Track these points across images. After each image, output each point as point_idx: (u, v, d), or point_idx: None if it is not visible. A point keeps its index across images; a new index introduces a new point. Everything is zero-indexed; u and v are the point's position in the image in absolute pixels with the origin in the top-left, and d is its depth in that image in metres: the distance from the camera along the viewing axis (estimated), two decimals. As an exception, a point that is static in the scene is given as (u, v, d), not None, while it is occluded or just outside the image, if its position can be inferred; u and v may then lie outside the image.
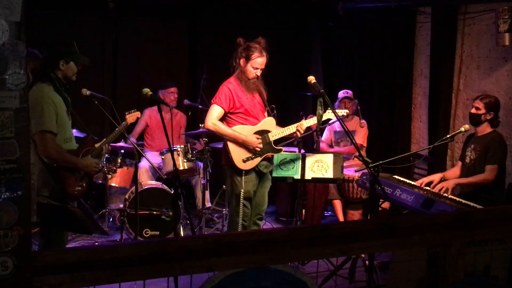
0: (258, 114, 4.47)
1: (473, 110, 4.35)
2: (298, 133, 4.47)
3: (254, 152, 4.37)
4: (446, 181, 4.30)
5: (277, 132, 4.48)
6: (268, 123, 4.51)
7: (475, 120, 4.34)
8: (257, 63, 4.37)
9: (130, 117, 5.01)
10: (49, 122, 3.45)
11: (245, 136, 4.35)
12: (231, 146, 4.36)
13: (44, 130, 3.43)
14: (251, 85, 4.42)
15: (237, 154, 4.36)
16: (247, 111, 4.41)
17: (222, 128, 4.34)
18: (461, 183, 4.25)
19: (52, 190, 3.54)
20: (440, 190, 4.14)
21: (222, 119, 4.40)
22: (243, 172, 4.38)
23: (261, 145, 4.38)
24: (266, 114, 4.58)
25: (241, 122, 4.41)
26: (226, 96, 4.34)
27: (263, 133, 4.45)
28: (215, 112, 4.34)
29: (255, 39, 4.40)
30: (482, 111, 4.29)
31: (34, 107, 3.35)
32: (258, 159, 4.41)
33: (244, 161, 4.36)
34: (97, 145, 4.06)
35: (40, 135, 3.41)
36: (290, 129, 4.48)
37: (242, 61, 4.38)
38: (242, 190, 4.38)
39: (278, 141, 5.92)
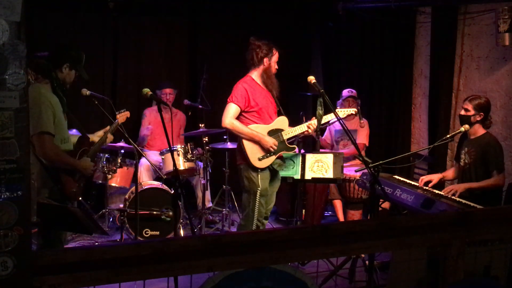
0: (271, 113, 4.50)
1: (462, 112, 4.32)
2: (309, 130, 4.52)
3: (268, 151, 4.39)
4: (456, 184, 4.30)
5: (290, 131, 4.51)
6: (281, 122, 4.53)
7: (465, 122, 4.30)
8: (276, 57, 4.45)
9: (121, 117, 5.01)
10: (47, 123, 3.45)
11: (262, 135, 4.37)
12: (247, 145, 4.37)
13: (42, 132, 3.42)
14: (274, 81, 4.46)
15: (253, 153, 4.37)
16: (261, 110, 4.42)
17: (239, 126, 4.36)
18: (472, 187, 4.23)
19: (51, 191, 3.55)
20: (449, 193, 4.13)
21: (237, 118, 4.41)
22: (259, 169, 4.39)
23: (276, 145, 4.40)
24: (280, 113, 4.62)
25: (255, 121, 4.42)
26: (242, 95, 4.35)
27: (276, 132, 4.47)
28: (232, 110, 4.36)
29: (253, 39, 4.44)
30: (471, 112, 4.25)
31: (32, 108, 3.31)
32: (273, 158, 4.44)
33: (259, 159, 4.38)
34: (95, 136, 4.08)
35: (38, 137, 3.40)
36: (302, 127, 4.52)
37: (265, 59, 4.41)
38: (259, 188, 4.39)
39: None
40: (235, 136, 4.59)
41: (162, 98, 6.14)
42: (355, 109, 4.79)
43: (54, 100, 3.56)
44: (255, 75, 4.45)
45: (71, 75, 3.69)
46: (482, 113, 4.24)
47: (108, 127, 4.27)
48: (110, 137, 4.14)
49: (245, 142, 4.38)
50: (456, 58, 5.75)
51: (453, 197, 4.06)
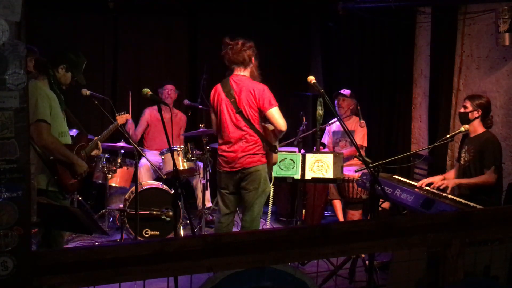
0: None
1: (461, 109, 4.42)
2: None
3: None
4: (447, 180, 4.31)
5: None
6: None
7: (463, 119, 4.37)
8: None
9: (120, 118, 5.04)
10: (44, 113, 3.54)
11: None
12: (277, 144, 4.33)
13: (39, 119, 3.50)
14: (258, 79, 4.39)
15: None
16: None
17: None
18: (462, 183, 4.24)
19: (48, 181, 3.63)
20: (440, 186, 4.13)
21: (260, 119, 4.25)
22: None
23: None
24: None
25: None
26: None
27: None
28: (280, 112, 4.19)
29: (230, 40, 4.39)
30: (469, 109, 4.32)
31: (29, 99, 3.40)
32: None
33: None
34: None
35: (35, 125, 3.48)
36: None
37: (253, 58, 4.31)
38: (269, 186, 4.33)
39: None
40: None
41: (163, 94, 6.18)
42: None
43: (51, 95, 3.66)
44: (246, 74, 4.31)
45: (67, 77, 3.78)
46: (480, 110, 4.27)
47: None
48: (99, 146, 4.17)
49: (277, 143, 4.30)
50: (456, 58, 5.75)
51: (447, 195, 4.07)
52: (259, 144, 4.22)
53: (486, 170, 4.19)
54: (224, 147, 4.30)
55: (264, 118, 4.26)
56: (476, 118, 4.29)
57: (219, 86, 4.35)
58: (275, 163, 4.35)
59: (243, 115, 4.19)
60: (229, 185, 4.33)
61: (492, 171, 4.18)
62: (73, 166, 3.76)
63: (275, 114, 4.12)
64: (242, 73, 4.29)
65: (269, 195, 4.41)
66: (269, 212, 4.69)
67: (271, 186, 4.37)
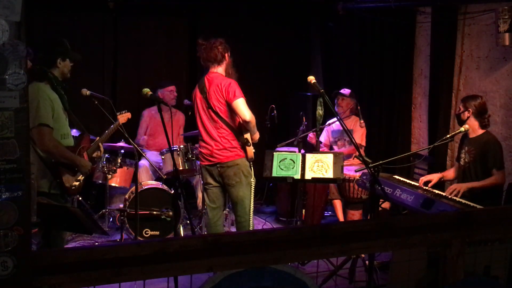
0: None
1: (457, 111, 4.47)
2: None
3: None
4: (458, 184, 4.32)
5: None
6: None
7: (458, 120, 4.46)
8: None
9: (122, 118, 5.04)
10: (46, 116, 3.54)
11: None
12: (249, 137, 4.42)
13: (41, 124, 3.51)
14: (235, 75, 4.50)
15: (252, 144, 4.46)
16: None
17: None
18: (474, 186, 4.24)
19: (50, 184, 3.63)
20: (451, 193, 4.14)
21: (231, 113, 4.35)
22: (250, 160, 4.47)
23: None
24: None
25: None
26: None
27: None
28: (246, 104, 4.30)
29: (202, 39, 4.46)
30: (461, 110, 4.39)
31: (30, 102, 3.39)
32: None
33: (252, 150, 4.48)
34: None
35: (38, 129, 3.49)
36: None
37: (227, 55, 4.44)
38: (253, 178, 4.44)
39: (277, 142, 5.94)
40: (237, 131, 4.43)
41: (167, 96, 6.16)
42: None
43: (53, 96, 3.66)
44: (220, 71, 4.44)
45: (67, 65, 3.83)
46: (470, 110, 4.31)
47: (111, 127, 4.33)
48: (101, 147, 4.19)
49: (249, 136, 4.40)
50: (456, 58, 5.75)
51: (454, 197, 4.07)
52: (232, 138, 4.37)
53: (495, 171, 4.21)
54: (202, 142, 4.49)
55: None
56: (468, 118, 4.32)
57: (197, 84, 4.55)
58: (252, 157, 4.46)
59: (213, 109, 4.37)
60: (210, 179, 4.49)
61: (498, 171, 4.20)
62: (77, 167, 3.75)
63: (240, 105, 4.26)
64: (215, 70, 4.46)
65: (252, 188, 4.50)
66: (252, 207, 4.68)
67: (253, 180, 4.48)
